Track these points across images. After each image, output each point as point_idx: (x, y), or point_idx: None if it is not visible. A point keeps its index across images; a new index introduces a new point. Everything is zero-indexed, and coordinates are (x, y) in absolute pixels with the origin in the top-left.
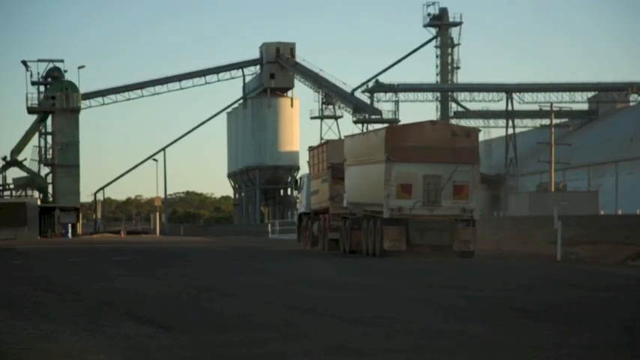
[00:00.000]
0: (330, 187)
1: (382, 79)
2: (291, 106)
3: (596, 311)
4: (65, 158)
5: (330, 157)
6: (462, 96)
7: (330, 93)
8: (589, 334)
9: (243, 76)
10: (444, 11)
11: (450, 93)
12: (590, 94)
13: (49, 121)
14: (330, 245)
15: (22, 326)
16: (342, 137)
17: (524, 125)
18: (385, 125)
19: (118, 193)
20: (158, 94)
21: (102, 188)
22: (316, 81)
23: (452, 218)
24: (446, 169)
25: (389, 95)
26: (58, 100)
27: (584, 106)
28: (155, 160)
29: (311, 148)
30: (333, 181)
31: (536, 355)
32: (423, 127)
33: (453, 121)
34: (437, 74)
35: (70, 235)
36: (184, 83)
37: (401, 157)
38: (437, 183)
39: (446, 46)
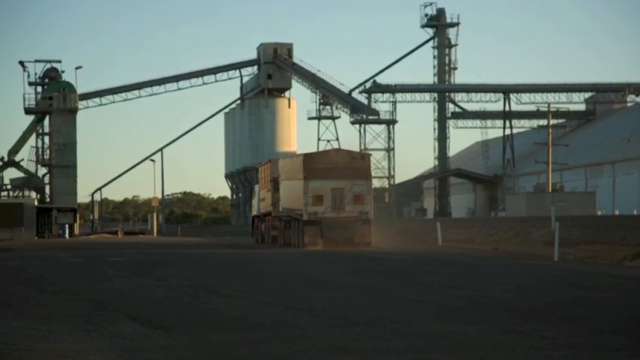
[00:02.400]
0: (272, 195)
1: (380, 79)
2: (289, 106)
3: (594, 311)
4: (62, 159)
5: (273, 173)
6: (459, 96)
7: (328, 94)
8: (586, 335)
9: (241, 76)
10: (441, 12)
11: (447, 94)
12: (588, 95)
13: (46, 121)
14: (272, 240)
15: (19, 327)
16: (277, 158)
17: (521, 126)
18: (303, 153)
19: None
20: (156, 94)
21: (99, 189)
22: (314, 81)
23: (353, 219)
24: (347, 183)
25: (386, 96)
26: (55, 101)
27: (582, 107)
28: (152, 160)
29: (260, 164)
30: (274, 191)
31: (534, 356)
32: (330, 153)
33: (451, 122)
34: (434, 75)
35: (67, 235)
36: (182, 84)
37: (314, 175)
38: (341, 194)
39: (443, 46)
